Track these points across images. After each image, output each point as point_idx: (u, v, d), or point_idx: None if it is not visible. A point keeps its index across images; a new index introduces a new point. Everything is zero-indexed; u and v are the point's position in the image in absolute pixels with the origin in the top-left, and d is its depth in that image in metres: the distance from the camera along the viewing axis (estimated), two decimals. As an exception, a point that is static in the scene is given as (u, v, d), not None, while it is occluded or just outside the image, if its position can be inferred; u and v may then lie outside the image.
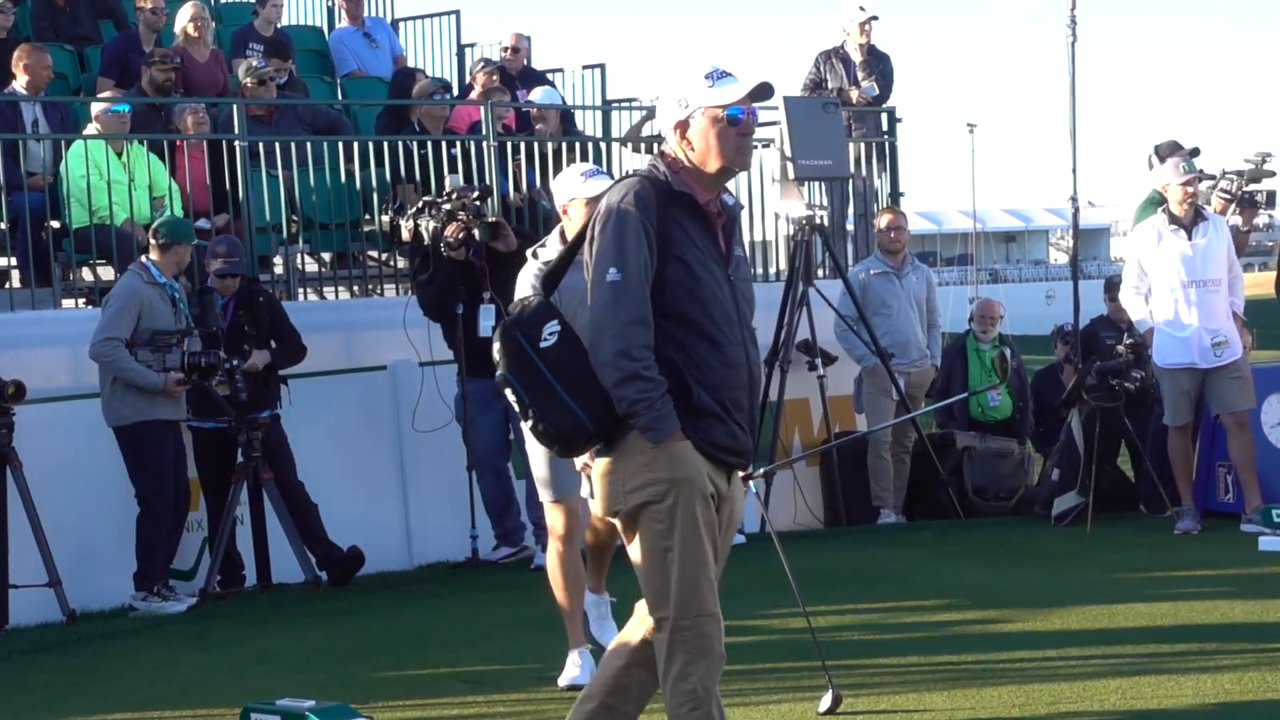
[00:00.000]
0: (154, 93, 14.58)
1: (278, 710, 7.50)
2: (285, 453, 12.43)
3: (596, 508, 6.35)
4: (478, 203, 12.53)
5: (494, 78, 16.35)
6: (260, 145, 14.28)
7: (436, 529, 13.56)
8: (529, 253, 9.05)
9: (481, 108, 15.52)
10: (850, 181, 17.32)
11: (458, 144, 15.24)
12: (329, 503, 12.57)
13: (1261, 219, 15.31)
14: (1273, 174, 14.92)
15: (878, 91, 17.46)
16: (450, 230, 12.28)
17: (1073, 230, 17.45)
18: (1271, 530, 12.58)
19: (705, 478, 6.03)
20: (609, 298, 5.94)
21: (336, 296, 15.23)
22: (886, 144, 17.78)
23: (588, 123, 18.15)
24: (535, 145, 15.45)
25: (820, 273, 16.22)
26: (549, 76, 18.38)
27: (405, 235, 12.77)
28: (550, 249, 8.81)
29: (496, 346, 6.13)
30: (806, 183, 16.30)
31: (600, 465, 6.13)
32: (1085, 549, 12.84)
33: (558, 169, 12.58)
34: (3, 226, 13.11)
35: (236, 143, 13.87)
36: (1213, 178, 14.55)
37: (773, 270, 17.58)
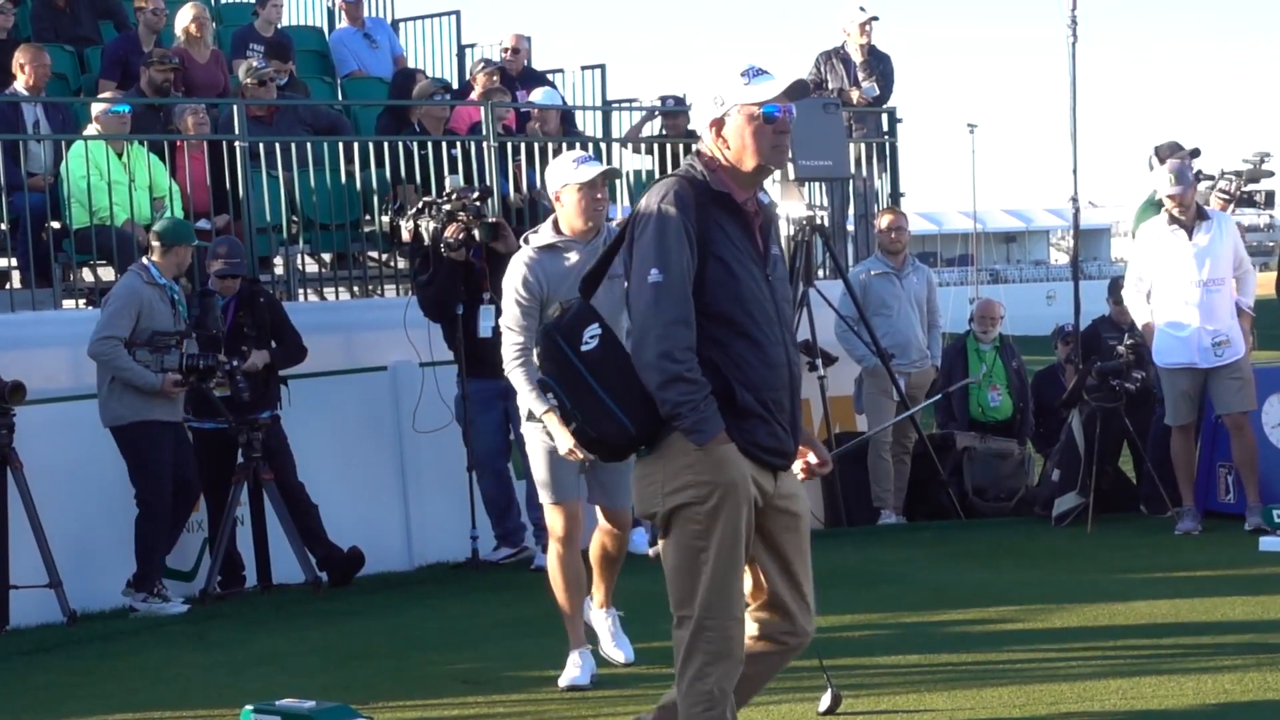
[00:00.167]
0: (152, 93, 14.58)
1: (278, 711, 7.50)
2: (285, 453, 12.43)
3: (635, 508, 6.29)
4: (478, 203, 12.54)
5: (494, 78, 16.36)
6: (260, 146, 14.28)
7: (437, 530, 13.56)
8: (521, 239, 9.07)
9: (482, 108, 15.53)
10: (851, 182, 17.33)
11: (458, 144, 15.24)
12: (329, 503, 12.56)
13: (1262, 219, 15.30)
14: (1271, 174, 14.93)
15: (878, 92, 17.47)
16: (450, 231, 12.28)
17: (1073, 231, 17.45)
18: (1272, 530, 12.59)
19: (749, 481, 5.98)
20: (651, 299, 5.90)
21: (337, 297, 15.24)
22: (887, 144, 17.78)
23: (588, 123, 18.17)
24: (535, 146, 15.45)
25: (820, 273, 16.23)
26: (549, 77, 18.38)
27: (405, 236, 12.77)
28: (543, 235, 8.81)
29: (536, 350, 6.11)
30: (807, 183, 16.31)
31: (640, 467, 6.08)
32: (1085, 549, 12.83)
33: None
34: (3, 227, 13.11)
35: (237, 143, 13.87)
36: (1211, 178, 14.55)
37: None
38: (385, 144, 14.95)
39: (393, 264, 15.44)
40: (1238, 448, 13.26)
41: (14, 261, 13.58)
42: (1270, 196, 14.96)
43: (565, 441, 8.65)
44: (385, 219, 14.25)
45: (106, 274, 13.56)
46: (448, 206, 12.42)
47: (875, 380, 15.19)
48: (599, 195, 8.70)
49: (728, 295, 5.96)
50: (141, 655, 10.34)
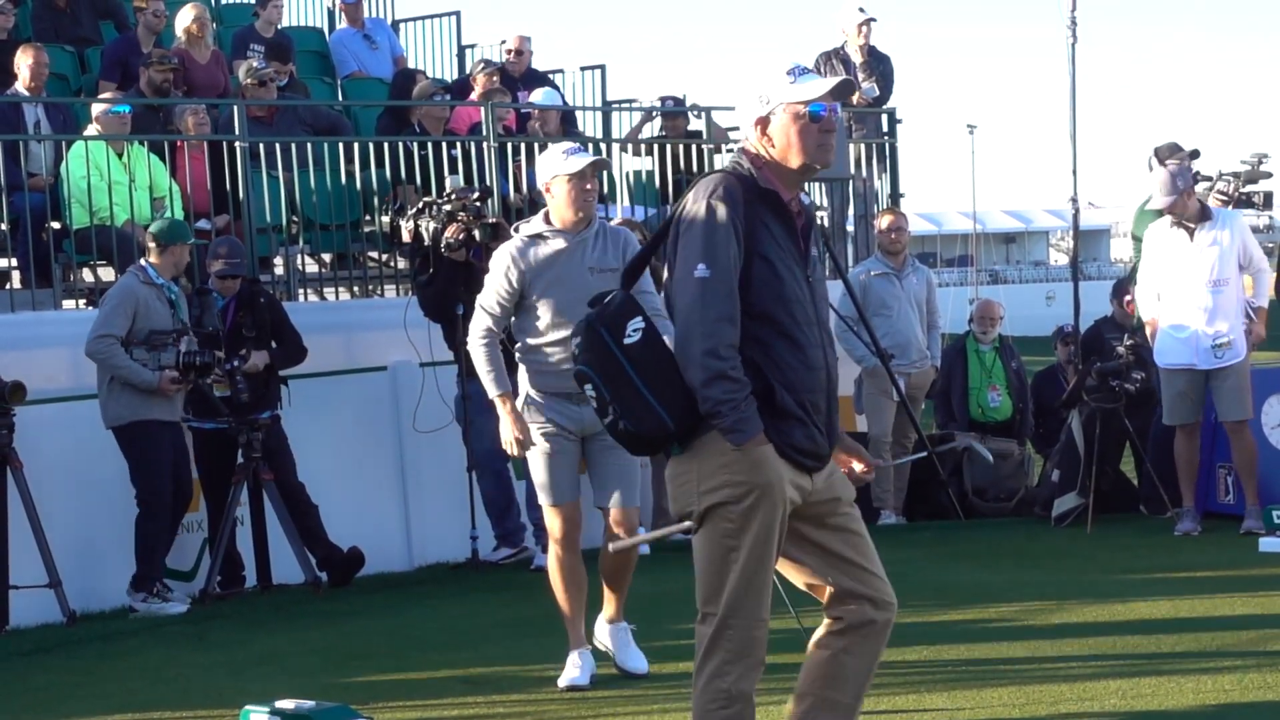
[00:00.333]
0: (152, 93, 14.58)
1: (278, 711, 7.49)
2: (285, 453, 12.43)
3: (670, 506, 6.23)
4: (478, 204, 12.54)
5: (494, 79, 16.36)
6: (261, 146, 14.28)
7: (437, 530, 13.55)
8: (512, 229, 9.08)
9: (482, 109, 15.53)
10: (850, 182, 17.33)
11: (458, 145, 15.24)
12: (329, 503, 12.56)
13: (1261, 220, 15.29)
14: (1269, 175, 14.91)
15: (878, 93, 17.47)
16: (450, 231, 12.29)
17: (1073, 231, 17.46)
18: (1271, 531, 12.58)
19: (785, 483, 5.93)
20: (697, 294, 5.84)
21: (337, 297, 15.24)
22: (887, 145, 17.79)
23: (587, 123, 18.17)
24: (535, 146, 15.45)
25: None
26: (550, 77, 18.38)
27: (405, 236, 12.77)
28: (533, 225, 8.82)
29: (576, 341, 6.05)
30: (806, 183, 16.28)
31: (674, 465, 6.03)
32: (1085, 550, 12.84)
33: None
34: (3, 227, 13.12)
35: (237, 144, 13.87)
36: (1209, 179, 14.53)
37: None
38: (385, 144, 14.96)
39: (393, 264, 15.44)
40: (1237, 452, 13.26)
41: (14, 261, 13.57)
42: (1268, 197, 14.93)
43: (508, 432, 8.70)
44: (385, 219, 14.25)
45: (107, 274, 13.56)
46: (448, 207, 12.43)
47: (875, 381, 15.18)
48: (588, 186, 8.69)
49: (772, 295, 5.92)
50: (141, 655, 10.34)
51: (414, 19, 20.05)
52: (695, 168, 16.62)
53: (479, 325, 8.77)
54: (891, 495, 15.20)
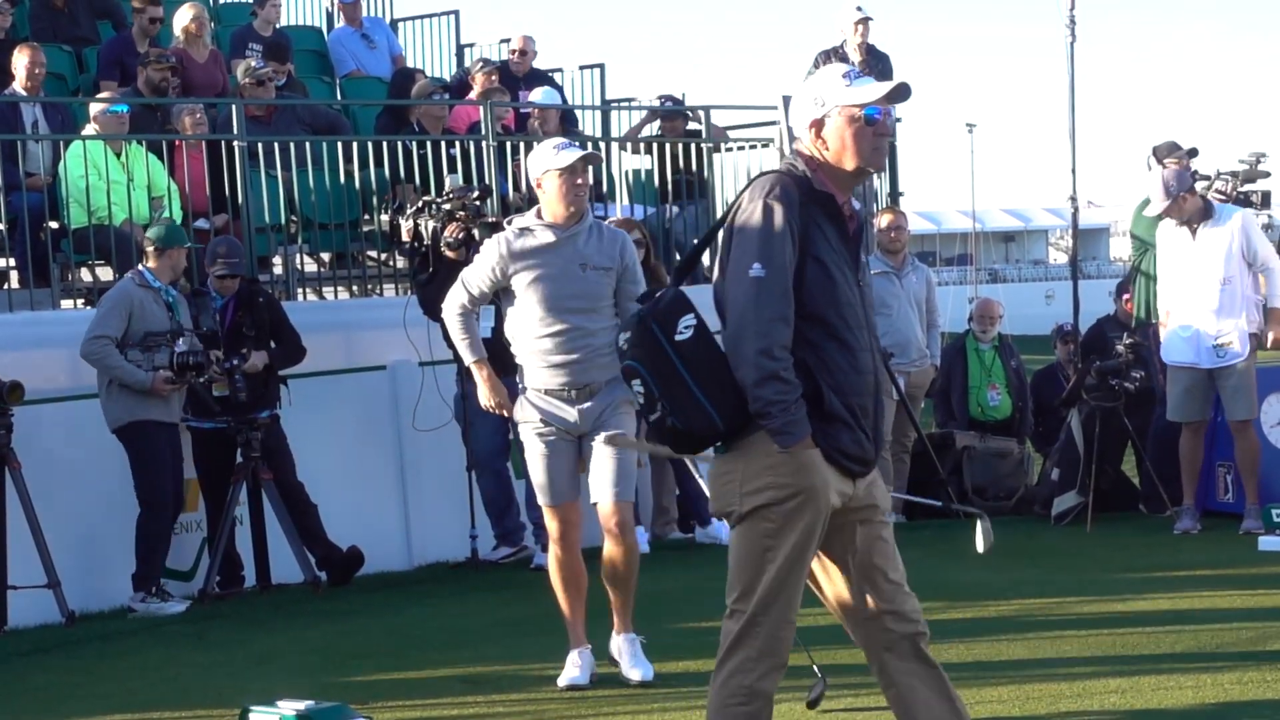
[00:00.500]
0: (150, 93, 14.57)
1: (277, 711, 7.49)
2: (285, 453, 12.43)
3: (710, 505, 6.21)
4: (477, 202, 12.53)
5: (493, 78, 16.36)
6: (259, 145, 14.26)
7: (436, 529, 13.54)
8: (505, 221, 9.08)
9: (480, 108, 15.52)
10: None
11: (457, 144, 15.23)
12: (328, 503, 12.56)
13: (1259, 219, 15.28)
14: (1267, 174, 14.90)
15: (877, 91, 17.43)
16: (450, 230, 12.28)
17: (1072, 230, 17.47)
18: (1270, 530, 12.58)
19: (829, 488, 5.90)
20: (752, 293, 5.80)
21: (336, 297, 15.23)
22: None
23: (586, 122, 18.16)
24: (535, 145, 15.42)
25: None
26: (550, 76, 18.37)
27: (405, 235, 12.76)
28: (524, 219, 8.82)
29: (625, 337, 6.01)
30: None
31: (719, 464, 6.00)
32: (1085, 548, 12.84)
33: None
34: (2, 227, 13.10)
35: (235, 143, 13.86)
36: (1207, 178, 14.53)
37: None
38: (384, 144, 14.95)
39: (392, 263, 15.44)
40: (1240, 451, 13.26)
41: (12, 261, 13.56)
42: (1266, 197, 14.92)
43: (486, 397, 8.73)
44: (385, 218, 14.23)
45: (105, 274, 13.56)
46: (447, 206, 12.42)
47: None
48: (579, 180, 8.68)
49: (825, 297, 5.89)
50: (140, 655, 10.34)
51: (412, 18, 20.08)
52: (694, 167, 16.63)
53: (456, 298, 8.86)
54: (891, 494, 15.15)
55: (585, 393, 8.60)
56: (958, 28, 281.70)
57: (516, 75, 17.55)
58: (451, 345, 12.45)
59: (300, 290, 14.94)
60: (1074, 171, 15.96)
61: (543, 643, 9.54)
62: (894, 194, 17.76)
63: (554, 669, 8.90)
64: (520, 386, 8.82)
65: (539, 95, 16.57)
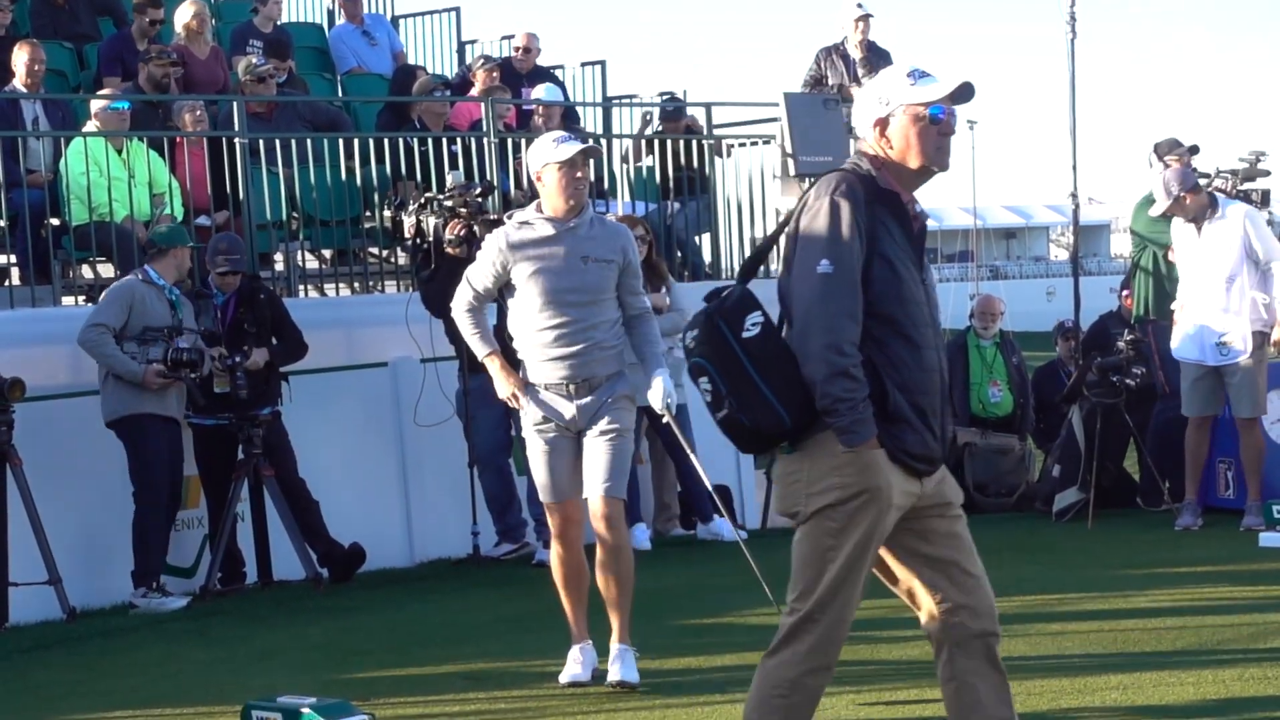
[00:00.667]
0: (152, 88, 14.56)
1: (279, 707, 7.49)
2: (286, 449, 12.43)
3: (774, 505, 6.20)
4: (479, 199, 12.53)
5: (494, 74, 16.36)
6: (260, 142, 14.26)
7: (438, 525, 13.55)
8: (505, 216, 9.07)
9: (482, 105, 15.52)
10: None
11: (458, 141, 15.23)
12: (330, 500, 12.56)
13: (1262, 216, 15.27)
14: (1267, 173, 14.89)
15: (878, 88, 17.43)
16: (451, 227, 12.28)
17: (1073, 227, 17.52)
18: (1271, 526, 12.57)
19: (894, 489, 5.86)
20: (820, 290, 5.78)
21: (337, 293, 15.23)
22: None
23: (588, 119, 18.15)
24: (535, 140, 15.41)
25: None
26: (552, 73, 18.37)
27: (408, 231, 12.75)
28: (526, 213, 8.81)
29: (693, 334, 6.00)
30: (807, 179, 16.28)
31: (784, 464, 5.97)
32: (1086, 545, 12.84)
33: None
34: (3, 224, 13.10)
35: (237, 140, 13.85)
36: (1206, 176, 14.54)
37: (774, 267, 17.54)
38: (385, 140, 14.95)
39: (393, 260, 15.44)
40: (1243, 447, 13.26)
41: (13, 258, 13.56)
42: (1266, 195, 14.91)
43: (504, 387, 8.70)
44: (388, 213, 14.21)
45: (106, 270, 13.56)
46: (449, 203, 12.42)
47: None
48: (579, 174, 8.65)
49: (892, 295, 5.87)
50: (142, 652, 10.34)
51: (413, 15, 20.06)
52: (695, 164, 16.63)
53: (464, 296, 8.83)
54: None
55: (585, 387, 8.58)
56: (959, 25, 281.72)
57: (519, 72, 17.55)
58: (454, 342, 12.53)
59: (301, 287, 14.94)
60: (1075, 168, 16.02)
61: (544, 639, 9.54)
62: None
63: (556, 665, 8.90)
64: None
65: (541, 92, 16.57)
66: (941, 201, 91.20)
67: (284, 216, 14.53)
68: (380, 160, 14.90)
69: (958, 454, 15.64)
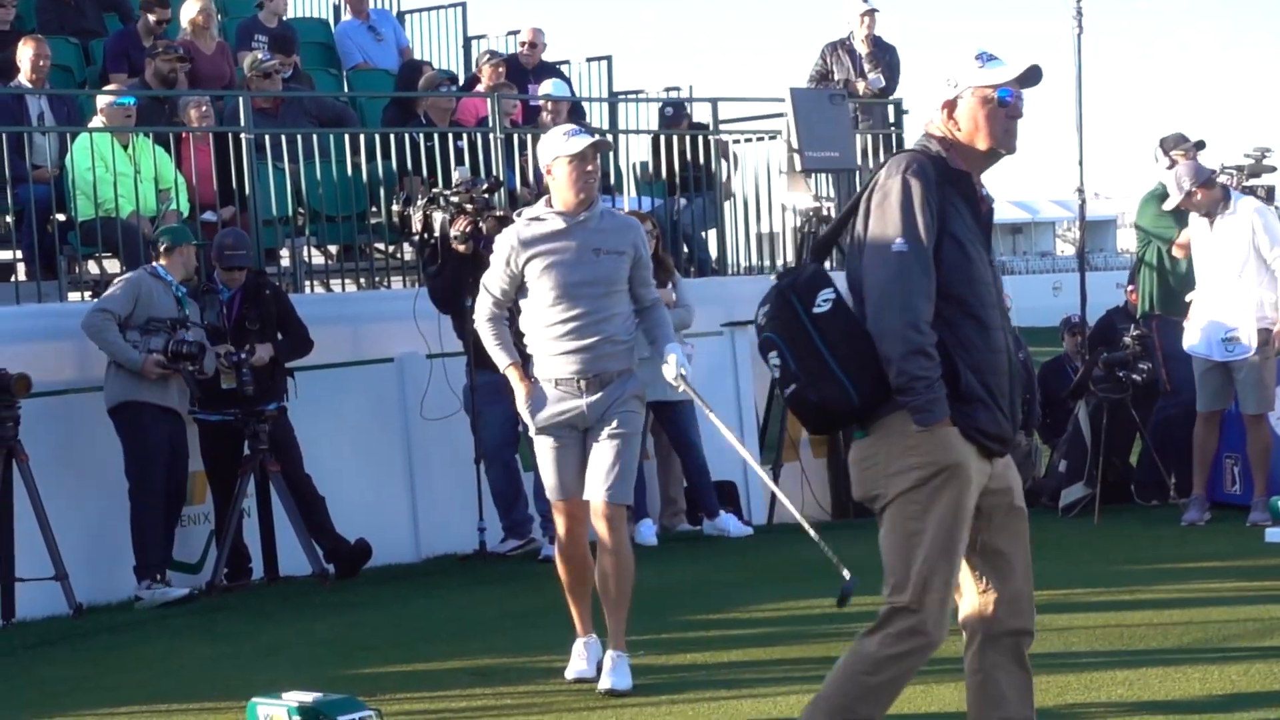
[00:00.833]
0: (159, 84, 14.56)
1: (285, 703, 7.49)
2: (292, 445, 12.43)
3: (854, 491, 6.15)
4: (486, 194, 12.52)
5: (500, 70, 16.35)
6: (266, 138, 14.25)
7: (444, 521, 13.55)
8: (515, 214, 9.05)
9: (488, 101, 15.51)
10: (857, 173, 17.29)
11: (464, 137, 15.22)
12: (336, 495, 12.56)
13: (1272, 212, 15.26)
14: (1273, 169, 14.88)
15: (884, 83, 17.45)
16: (457, 224, 12.28)
17: (1079, 222, 17.44)
18: (1277, 522, 12.56)
19: (972, 464, 5.86)
20: (895, 269, 5.77)
21: (343, 289, 15.22)
22: (893, 136, 17.75)
23: (593, 114, 18.14)
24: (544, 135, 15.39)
25: (827, 264, 16.16)
26: (559, 69, 18.36)
27: (416, 225, 12.74)
28: (535, 208, 8.79)
29: (764, 310, 5.99)
30: (813, 174, 16.29)
31: (858, 449, 5.95)
32: (1092, 540, 12.83)
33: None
34: (9, 219, 13.12)
35: (242, 135, 13.85)
36: (1212, 172, 14.52)
37: (780, 262, 17.57)
38: (391, 136, 14.94)
39: (399, 256, 15.43)
40: (1250, 443, 13.26)
41: (19, 254, 13.58)
42: (1271, 191, 14.90)
43: (523, 401, 8.66)
44: (397, 207, 14.19)
45: (112, 266, 13.55)
46: (455, 199, 12.42)
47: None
48: (589, 167, 8.62)
49: (961, 276, 5.87)
50: (148, 647, 10.35)
51: (419, 10, 20.03)
52: (701, 160, 16.61)
53: (483, 304, 8.77)
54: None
55: (595, 383, 8.54)
56: (965, 20, 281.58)
57: (525, 68, 17.54)
58: (463, 337, 12.53)
59: (307, 283, 14.94)
60: (1081, 163, 15.95)
61: (550, 635, 9.53)
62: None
63: (562, 661, 8.90)
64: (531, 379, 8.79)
65: (548, 88, 16.55)
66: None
67: (290, 212, 14.53)
68: (386, 156, 14.89)
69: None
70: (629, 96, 18.58)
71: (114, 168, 13.06)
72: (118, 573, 11.81)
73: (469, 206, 12.34)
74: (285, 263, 14.75)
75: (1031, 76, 5.98)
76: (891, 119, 17.83)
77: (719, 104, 17.04)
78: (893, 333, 5.74)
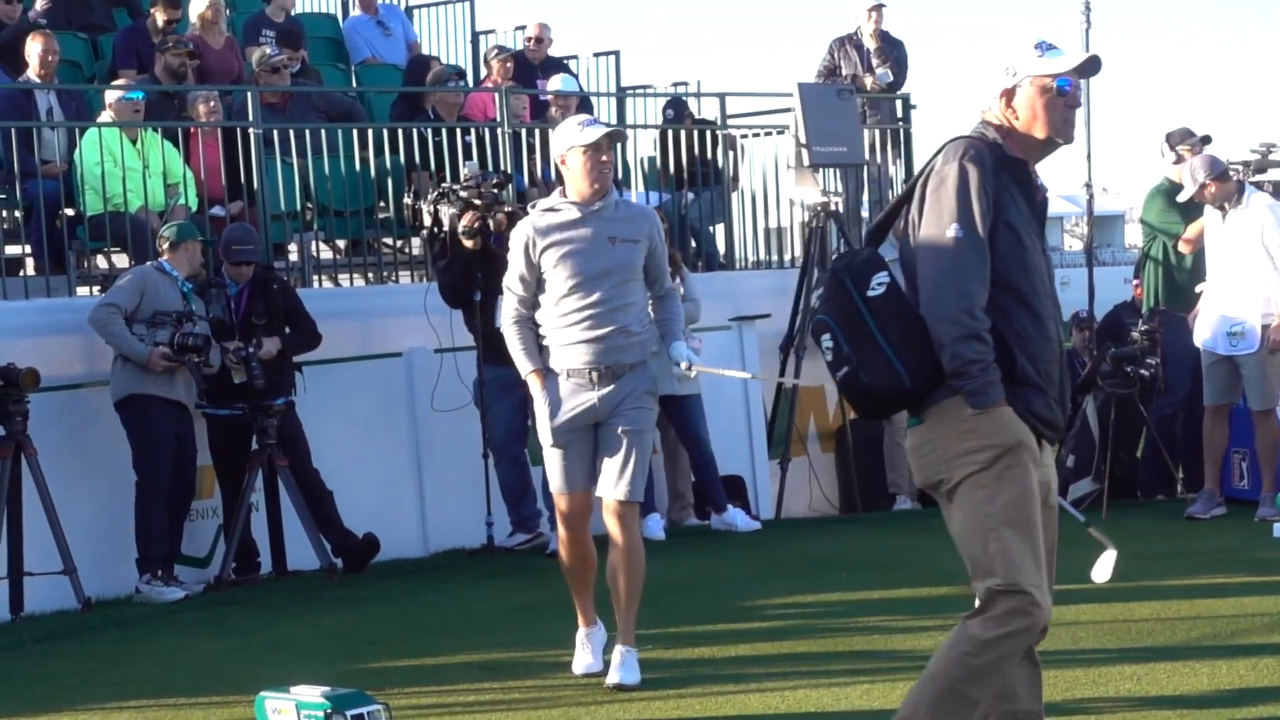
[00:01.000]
0: (169, 78, 14.57)
1: (293, 697, 7.50)
2: (300, 440, 12.44)
3: (915, 479, 6.15)
4: (495, 189, 12.51)
5: (508, 65, 16.34)
6: (274, 133, 14.26)
7: (452, 516, 13.54)
8: (528, 206, 9.05)
9: (496, 96, 15.51)
10: (865, 168, 17.30)
11: (472, 131, 15.22)
12: (344, 490, 12.56)
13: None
14: (1279, 164, 14.87)
15: (892, 78, 17.44)
16: (465, 220, 12.28)
17: (1087, 217, 17.46)
18: (1281, 516, 12.57)
19: (1031, 444, 5.86)
20: (950, 254, 5.79)
21: (351, 284, 15.22)
22: (901, 131, 17.74)
23: (601, 110, 18.15)
24: (550, 133, 15.41)
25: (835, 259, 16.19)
26: (566, 64, 18.37)
27: (426, 218, 12.74)
28: (549, 200, 8.78)
29: (818, 294, 6.03)
30: (821, 170, 16.27)
31: (915, 436, 5.97)
32: (1100, 535, 12.80)
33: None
34: (18, 214, 13.13)
35: (251, 130, 13.86)
36: (1226, 165, 14.51)
37: (788, 257, 17.57)
38: (399, 131, 14.94)
39: (407, 250, 15.43)
40: (1258, 438, 13.26)
41: (28, 248, 13.59)
42: (1277, 187, 14.90)
43: (542, 409, 8.63)
44: (408, 200, 14.19)
45: (121, 261, 13.58)
46: (464, 193, 12.41)
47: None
48: (604, 158, 8.59)
49: (1016, 263, 5.87)
50: (156, 641, 10.35)
51: (427, 5, 20.04)
52: (709, 155, 16.61)
53: (508, 307, 8.71)
54: (907, 481, 15.17)
55: (609, 375, 8.50)
56: (973, 16, 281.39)
57: (532, 63, 17.54)
58: (473, 330, 12.52)
59: (315, 277, 14.94)
60: (1089, 158, 15.97)
61: (558, 629, 9.53)
62: (909, 181, 17.70)
63: (569, 655, 8.90)
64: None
65: (557, 83, 16.55)
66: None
67: (298, 207, 14.55)
68: (394, 151, 14.89)
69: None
70: (636, 91, 18.58)
71: (122, 163, 13.08)
72: (126, 567, 11.83)
73: (478, 201, 12.35)
74: (293, 257, 14.77)
75: (1091, 66, 6.00)
76: (899, 114, 17.82)
77: (727, 99, 17.05)
78: (947, 317, 5.76)
